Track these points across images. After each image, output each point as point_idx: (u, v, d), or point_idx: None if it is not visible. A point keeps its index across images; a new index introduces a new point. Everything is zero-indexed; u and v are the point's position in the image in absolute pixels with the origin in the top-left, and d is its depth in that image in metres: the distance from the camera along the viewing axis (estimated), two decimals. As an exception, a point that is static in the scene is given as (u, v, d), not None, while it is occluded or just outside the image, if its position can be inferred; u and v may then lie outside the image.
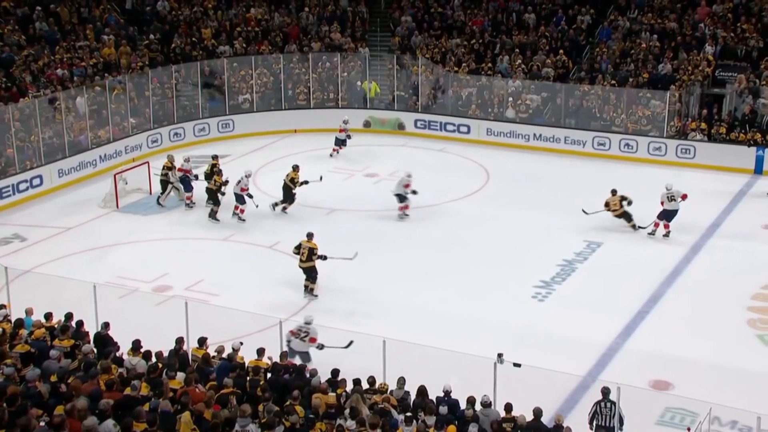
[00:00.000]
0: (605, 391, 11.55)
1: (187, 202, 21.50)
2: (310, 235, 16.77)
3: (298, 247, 16.67)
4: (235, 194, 20.33)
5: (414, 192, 20.42)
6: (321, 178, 21.37)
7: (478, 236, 19.73)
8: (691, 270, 17.90)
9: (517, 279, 17.48)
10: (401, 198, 20.50)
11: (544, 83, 26.73)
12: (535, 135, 26.03)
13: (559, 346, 14.79)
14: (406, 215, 20.51)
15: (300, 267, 16.70)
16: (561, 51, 27.55)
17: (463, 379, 12.05)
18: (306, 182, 20.83)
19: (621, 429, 11.47)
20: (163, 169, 21.60)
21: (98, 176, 23.38)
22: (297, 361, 13.39)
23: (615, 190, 19.69)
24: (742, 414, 11.90)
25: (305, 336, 13.77)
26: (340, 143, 25.26)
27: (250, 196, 20.27)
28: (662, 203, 19.07)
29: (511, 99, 26.69)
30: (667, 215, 19.06)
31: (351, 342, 13.53)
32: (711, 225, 19.91)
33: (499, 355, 11.57)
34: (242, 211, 20.38)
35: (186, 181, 21.58)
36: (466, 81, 27.55)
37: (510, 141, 26.07)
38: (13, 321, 13.27)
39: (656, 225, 19.24)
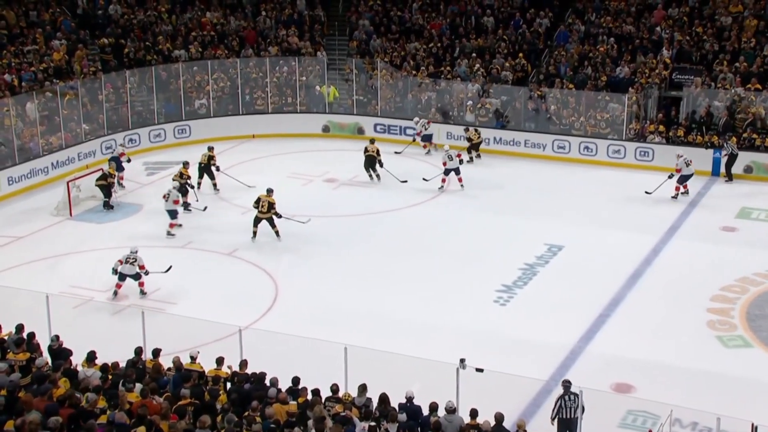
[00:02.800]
0: (567, 384, 11.53)
1: (120, 181, 22.65)
2: (269, 191, 18.84)
3: (258, 201, 18.46)
4: (169, 211, 19.69)
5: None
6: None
7: (439, 241, 19.63)
8: (651, 272, 17.95)
9: (478, 283, 17.40)
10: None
11: (504, 87, 26.78)
12: (495, 139, 26.05)
13: (522, 350, 14.75)
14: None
15: (260, 217, 18.65)
16: (520, 55, 27.61)
17: (426, 385, 11.94)
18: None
19: (581, 417, 11.44)
20: (106, 175, 21.41)
21: (50, 183, 22.91)
22: (129, 283, 16.03)
23: (467, 127, 24.66)
24: (703, 415, 11.90)
25: (134, 261, 16.09)
26: (428, 139, 25.74)
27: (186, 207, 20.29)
28: (679, 170, 21.51)
29: (470, 103, 26.67)
30: (685, 179, 21.65)
31: (170, 267, 16.45)
32: (670, 227, 20.04)
33: (462, 360, 11.46)
34: (171, 225, 19.71)
35: (118, 162, 22.66)
36: (425, 85, 27.49)
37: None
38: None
39: (677, 189, 21.69)
